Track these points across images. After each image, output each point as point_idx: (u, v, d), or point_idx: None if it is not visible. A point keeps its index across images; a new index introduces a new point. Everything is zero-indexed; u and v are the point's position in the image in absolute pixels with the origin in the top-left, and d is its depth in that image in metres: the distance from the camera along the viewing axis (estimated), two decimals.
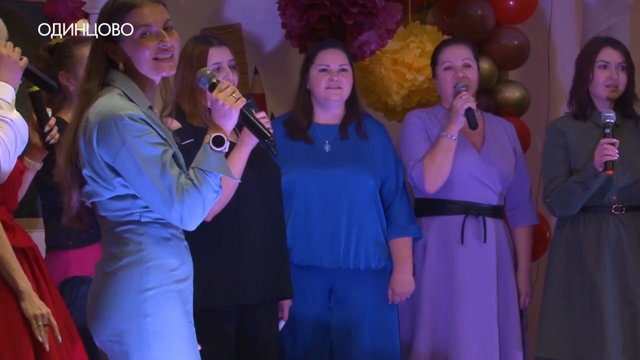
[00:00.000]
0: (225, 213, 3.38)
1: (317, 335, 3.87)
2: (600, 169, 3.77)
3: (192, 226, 2.61)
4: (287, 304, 3.74)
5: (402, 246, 4.00)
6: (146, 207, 2.60)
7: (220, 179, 2.63)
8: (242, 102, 2.67)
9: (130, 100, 2.61)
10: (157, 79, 2.72)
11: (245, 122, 2.78)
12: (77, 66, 3.49)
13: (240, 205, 3.42)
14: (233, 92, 2.66)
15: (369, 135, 4.00)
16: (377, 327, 3.94)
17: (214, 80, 2.70)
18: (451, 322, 4.00)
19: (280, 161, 3.74)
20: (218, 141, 2.61)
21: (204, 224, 3.32)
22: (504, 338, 4.05)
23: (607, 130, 3.80)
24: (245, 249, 3.46)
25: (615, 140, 3.77)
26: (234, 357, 3.47)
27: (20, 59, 3.02)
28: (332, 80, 3.92)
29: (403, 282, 3.98)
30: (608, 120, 3.82)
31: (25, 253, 3.16)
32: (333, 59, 3.95)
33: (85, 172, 2.60)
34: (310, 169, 3.86)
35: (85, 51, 3.53)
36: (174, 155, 2.58)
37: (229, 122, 2.65)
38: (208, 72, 2.73)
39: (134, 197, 2.59)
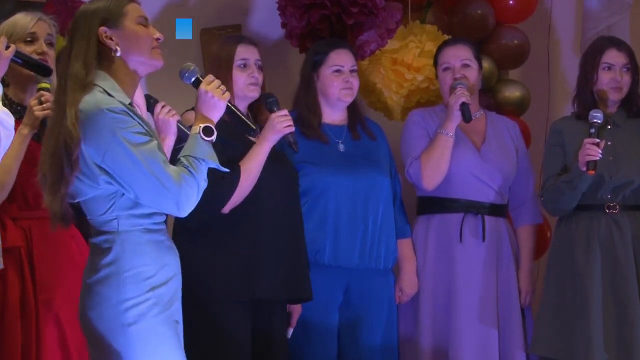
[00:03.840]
0: (245, 209, 3.42)
1: (327, 335, 3.88)
2: (584, 169, 3.77)
3: (186, 213, 2.64)
4: (296, 312, 3.75)
5: (406, 247, 4.07)
6: (127, 208, 2.61)
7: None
8: (229, 95, 2.77)
9: (110, 96, 2.62)
10: (144, 72, 2.74)
11: (231, 114, 2.84)
12: None
13: (260, 201, 3.45)
14: (220, 86, 2.76)
15: (376, 137, 4.04)
16: (384, 324, 3.97)
17: (199, 76, 2.79)
18: (450, 319, 4.01)
19: (298, 160, 3.75)
20: (208, 131, 2.69)
21: (224, 218, 3.34)
22: (505, 337, 4.06)
23: (592, 131, 3.80)
24: (264, 246, 3.47)
25: (598, 140, 3.77)
26: (249, 353, 3.48)
27: (8, 48, 2.98)
28: (346, 82, 3.93)
29: (412, 281, 4.05)
30: (595, 121, 3.82)
31: (18, 253, 3.16)
32: (346, 60, 3.96)
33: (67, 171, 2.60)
34: (332, 170, 3.87)
35: None
36: (158, 146, 2.62)
37: (217, 113, 2.76)
38: (192, 67, 2.80)
39: (116, 196, 2.60)
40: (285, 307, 3.64)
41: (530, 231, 4.25)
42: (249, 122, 2.97)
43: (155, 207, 2.63)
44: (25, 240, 3.21)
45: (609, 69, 3.99)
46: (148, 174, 2.55)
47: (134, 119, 2.60)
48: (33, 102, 3.16)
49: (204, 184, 2.65)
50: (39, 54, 3.27)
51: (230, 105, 2.82)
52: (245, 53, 3.61)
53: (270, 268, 3.47)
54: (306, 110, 3.98)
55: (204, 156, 2.66)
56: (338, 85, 3.93)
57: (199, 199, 2.65)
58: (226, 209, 3.42)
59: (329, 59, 3.96)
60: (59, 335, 3.21)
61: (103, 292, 2.59)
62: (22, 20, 3.28)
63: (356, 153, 3.95)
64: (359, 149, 3.96)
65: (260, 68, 3.65)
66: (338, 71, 3.94)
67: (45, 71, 3.18)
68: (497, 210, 4.13)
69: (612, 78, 3.98)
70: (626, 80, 3.99)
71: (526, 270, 4.19)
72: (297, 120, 3.96)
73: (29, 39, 3.24)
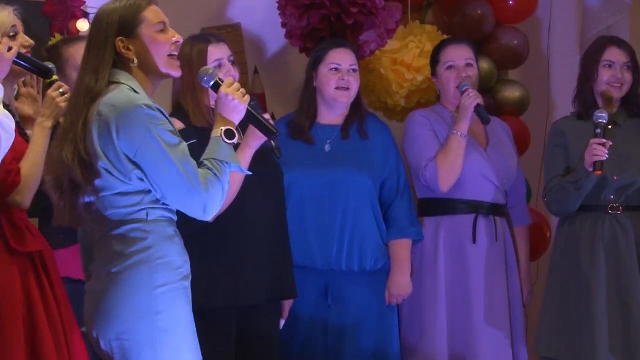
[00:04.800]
0: (227, 213, 3.38)
1: (312, 335, 3.87)
2: (590, 169, 3.78)
3: (211, 216, 2.65)
4: (287, 303, 3.73)
5: (400, 248, 3.99)
6: (154, 202, 2.62)
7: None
8: (248, 98, 2.78)
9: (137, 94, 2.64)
10: (159, 80, 2.75)
11: (250, 118, 2.83)
12: (65, 66, 3.48)
13: (242, 205, 3.41)
14: (240, 88, 2.77)
15: (370, 136, 3.99)
16: (375, 327, 3.93)
17: (218, 79, 2.76)
18: (468, 321, 3.99)
19: (280, 162, 3.73)
20: (229, 134, 2.69)
21: (206, 224, 3.33)
22: (512, 334, 4.07)
23: (598, 131, 3.80)
24: (247, 250, 3.44)
25: (604, 140, 3.76)
26: (234, 357, 3.46)
27: (10, 50, 2.98)
28: (342, 80, 3.91)
29: (400, 283, 3.97)
30: (600, 121, 3.81)
31: (32, 257, 3.14)
32: (344, 58, 3.94)
33: (101, 164, 2.60)
34: (307, 170, 3.85)
35: (72, 51, 3.52)
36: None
37: (238, 116, 2.76)
38: (211, 71, 2.80)
39: (144, 192, 2.61)
40: (275, 305, 3.61)
41: (526, 231, 4.30)
42: (269, 126, 2.93)
43: (181, 208, 2.64)
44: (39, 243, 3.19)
45: (610, 66, 3.99)
46: (180, 174, 2.56)
47: (166, 118, 2.62)
48: (54, 93, 3.13)
49: (227, 187, 2.66)
50: (25, 47, 3.25)
51: (250, 108, 2.81)
52: (217, 53, 3.50)
53: (253, 273, 3.44)
54: (301, 109, 3.98)
55: (227, 158, 2.66)
56: (334, 84, 3.91)
57: (222, 203, 2.66)
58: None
59: (327, 57, 3.95)
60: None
61: (134, 279, 2.58)
62: (1, 15, 3.23)
63: (340, 153, 3.92)
64: (344, 148, 3.93)
65: (234, 63, 3.56)
66: (335, 69, 3.93)
67: (45, 73, 3.18)
68: (501, 210, 4.14)
69: (612, 75, 3.98)
70: (627, 78, 3.99)
71: (525, 270, 4.23)
72: (290, 122, 3.96)
73: (12, 34, 3.21)
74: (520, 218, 4.27)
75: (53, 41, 4.43)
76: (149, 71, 2.70)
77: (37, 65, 3.15)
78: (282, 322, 3.74)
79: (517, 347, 4.10)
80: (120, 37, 2.67)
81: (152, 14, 2.70)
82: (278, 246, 3.55)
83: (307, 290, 3.82)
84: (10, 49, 2.99)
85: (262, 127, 2.94)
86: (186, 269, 2.67)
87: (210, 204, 2.61)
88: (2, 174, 3.03)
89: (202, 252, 3.35)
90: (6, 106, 3.15)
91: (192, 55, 3.46)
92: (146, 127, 2.55)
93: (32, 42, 3.26)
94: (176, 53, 2.73)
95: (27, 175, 3.06)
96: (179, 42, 2.73)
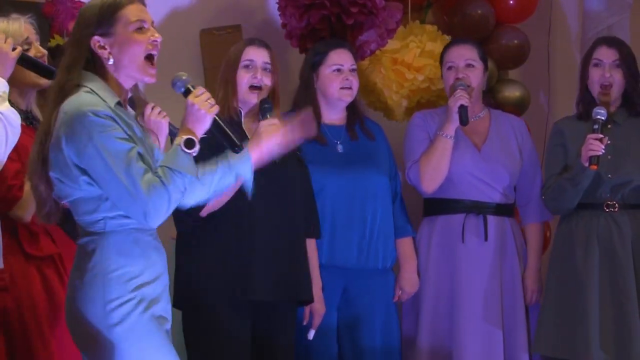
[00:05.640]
0: (235, 213, 3.41)
1: (327, 333, 3.88)
2: (586, 164, 3.78)
3: (155, 223, 2.61)
4: (317, 313, 3.75)
5: (407, 246, 4.07)
6: (111, 209, 2.61)
7: (236, 178, 2.70)
8: (216, 109, 2.72)
9: (98, 96, 2.61)
10: (133, 82, 2.73)
11: (216, 128, 2.80)
12: None
13: (250, 206, 3.41)
14: (208, 98, 2.71)
15: (374, 137, 4.03)
16: (382, 323, 3.97)
17: (189, 86, 2.73)
18: (453, 319, 4.02)
19: None
20: (189, 143, 2.64)
21: (215, 223, 3.35)
22: (510, 337, 4.07)
23: (596, 127, 3.83)
24: (255, 249, 3.46)
25: (601, 135, 3.79)
26: (249, 353, 3.48)
27: (14, 49, 3.01)
28: (346, 80, 3.94)
29: (412, 280, 4.05)
30: (598, 117, 3.84)
31: (53, 259, 3.20)
32: (345, 59, 3.97)
33: (52, 174, 2.61)
34: (326, 170, 3.86)
35: None
36: (140, 153, 2.58)
37: (202, 126, 2.70)
38: (184, 77, 2.75)
39: (100, 198, 2.60)
40: (290, 310, 3.62)
41: (537, 229, 4.24)
42: (234, 138, 2.88)
43: (125, 212, 2.61)
44: (56, 246, 3.24)
45: (597, 65, 4.01)
46: (119, 180, 2.53)
47: (117, 123, 2.58)
48: None
49: (177, 196, 2.59)
50: (39, 57, 3.26)
51: (216, 118, 2.77)
52: (252, 54, 3.61)
53: (261, 270, 3.45)
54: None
55: (181, 168, 2.60)
56: (337, 84, 3.94)
57: (170, 210, 2.61)
58: (203, 212, 3.37)
59: (328, 58, 3.97)
60: None
61: (90, 293, 2.59)
62: (12, 27, 3.22)
63: (354, 153, 3.96)
64: (357, 149, 3.97)
65: (268, 70, 3.62)
66: (337, 70, 3.95)
67: (49, 74, 3.19)
68: (501, 209, 4.13)
69: (601, 74, 4.00)
70: (616, 77, 4.00)
71: (532, 269, 4.19)
72: None
73: (26, 47, 3.22)
74: (533, 215, 4.22)
75: (53, 42, 4.44)
76: (122, 71, 2.67)
77: (40, 65, 3.16)
78: (312, 332, 3.77)
79: (518, 352, 4.08)
80: (96, 36, 2.64)
81: (130, 12, 2.66)
82: (292, 249, 3.56)
83: (327, 291, 3.83)
84: (14, 48, 3.01)
85: (226, 140, 2.90)
86: (146, 275, 2.64)
87: (152, 210, 2.56)
88: (4, 189, 3.06)
89: (212, 249, 3.40)
90: (25, 112, 3.19)
91: (231, 52, 3.62)
92: (88, 135, 2.53)
93: (44, 51, 3.29)
94: (154, 53, 2.68)
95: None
96: (156, 41, 2.68)
